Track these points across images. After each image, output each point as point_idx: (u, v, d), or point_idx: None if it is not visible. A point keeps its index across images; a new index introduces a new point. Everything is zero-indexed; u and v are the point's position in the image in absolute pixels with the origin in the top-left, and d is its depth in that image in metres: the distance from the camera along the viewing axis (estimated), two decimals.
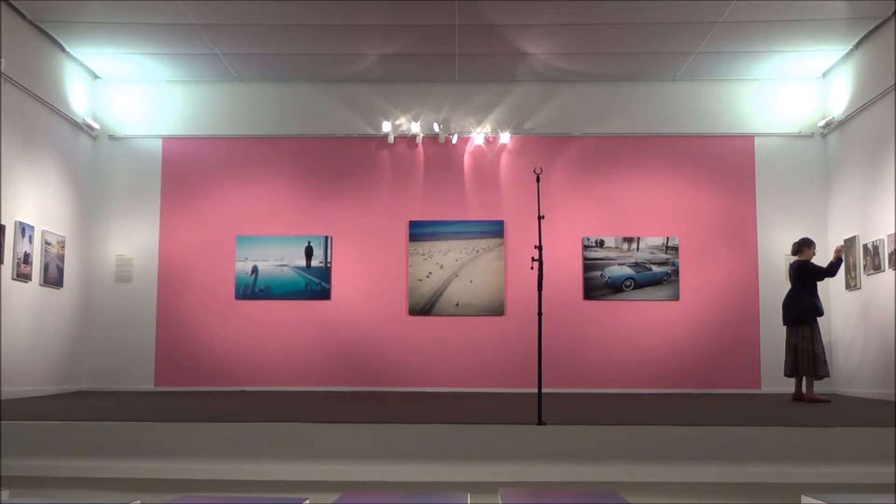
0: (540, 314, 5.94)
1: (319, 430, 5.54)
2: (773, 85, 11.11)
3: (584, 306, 10.88)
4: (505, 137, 11.08)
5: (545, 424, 5.49)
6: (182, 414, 6.82)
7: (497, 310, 10.74)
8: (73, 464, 5.30)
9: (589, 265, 10.95)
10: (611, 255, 10.97)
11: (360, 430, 5.50)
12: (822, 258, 10.89)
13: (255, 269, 10.88)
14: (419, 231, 11.04)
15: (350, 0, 8.94)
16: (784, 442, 5.30)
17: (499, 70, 10.90)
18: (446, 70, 10.88)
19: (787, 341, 8.90)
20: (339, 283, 10.97)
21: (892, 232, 9.04)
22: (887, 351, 9.11)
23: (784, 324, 8.98)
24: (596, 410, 7.53)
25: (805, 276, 8.80)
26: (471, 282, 10.87)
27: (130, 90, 11.26)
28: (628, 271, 10.94)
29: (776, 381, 10.61)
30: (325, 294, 10.93)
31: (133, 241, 11.05)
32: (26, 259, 9.33)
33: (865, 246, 9.68)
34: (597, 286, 10.93)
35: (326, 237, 11.01)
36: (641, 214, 11.00)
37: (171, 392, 10.27)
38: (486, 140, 11.14)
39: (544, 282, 6.00)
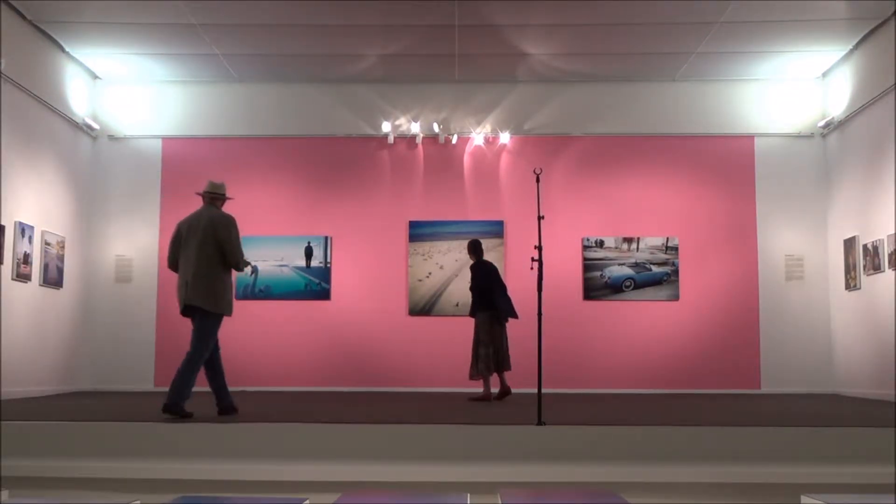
0: (540, 314, 5.94)
1: (319, 430, 5.54)
2: (773, 85, 11.11)
3: (584, 306, 10.88)
4: (505, 138, 11.08)
5: (545, 425, 5.49)
6: None
7: None
8: (73, 464, 5.30)
9: (589, 265, 10.95)
10: (611, 255, 10.97)
11: (360, 430, 5.49)
12: (821, 259, 10.92)
13: (255, 270, 10.88)
14: (419, 231, 11.04)
15: (350, 0, 8.94)
16: (784, 442, 5.30)
17: (499, 70, 10.90)
18: (446, 70, 10.88)
19: (496, 338, 8.65)
20: (339, 283, 10.97)
21: (892, 232, 9.03)
22: (887, 351, 9.11)
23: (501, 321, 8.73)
24: (596, 410, 7.53)
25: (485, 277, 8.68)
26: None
27: (130, 90, 11.26)
28: (628, 271, 10.94)
29: (776, 381, 10.62)
30: (324, 294, 10.93)
31: (133, 241, 11.05)
32: (26, 259, 9.33)
33: (865, 246, 9.68)
34: (597, 286, 10.93)
35: (326, 237, 11.01)
36: (641, 214, 11.00)
37: None
38: (486, 140, 11.14)
39: (544, 282, 6.00)
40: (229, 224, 6.49)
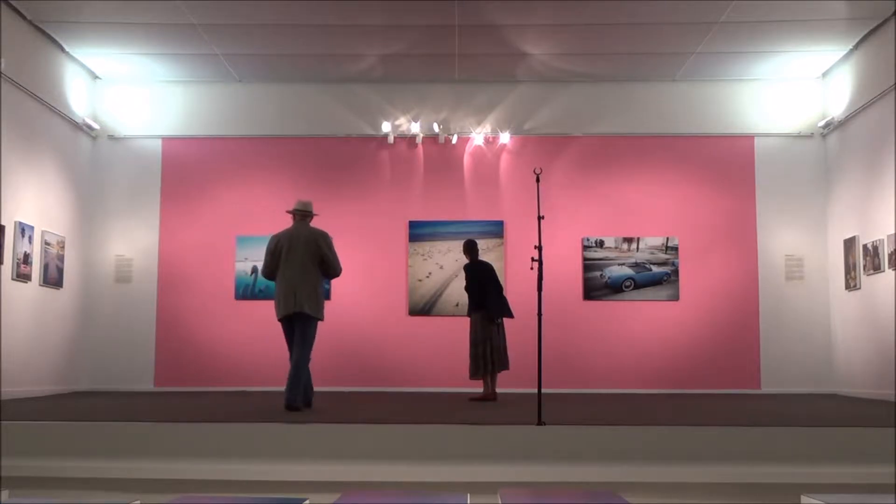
0: (540, 314, 5.94)
1: (319, 430, 5.54)
2: (773, 85, 11.11)
3: (584, 306, 10.88)
4: (505, 137, 11.08)
5: (545, 424, 5.49)
6: (182, 414, 6.82)
7: None
8: (73, 464, 5.30)
9: (589, 265, 10.95)
10: (611, 255, 10.97)
11: (360, 430, 5.49)
12: (821, 259, 10.92)
13: (254, 270, 10.87)
14: (419, 231, 11.04)
15: (350, 0, 8.94)
16: (784, 442, 5.30)
17: (499, 70, 10.90)
18: (446, 70, 10.88)
19: (491, 338, 8.54)
20: (339, 283, 10.94)
21: (892, 232, 9.03)
22: (887, 351, 9.11)
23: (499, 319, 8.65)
24: (596, 410, 7.53)
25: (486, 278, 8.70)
26: None
27: (130, 90, 11.26)
28: (628, 271, 10.94)
29: (776, 381, 10.62)
30: (324, 294, 10.89)
31: (133, 241, 11.05)
32: (26, 259, 9.32)
33: (865, 246, 9.68)
34: (597, 286, 10.93)
35: None
36: (641, 214, 11.00)
37: (171, 392, 10.27)
38: (486, 140, 11.14)
39: (544, 282, 6.00)
40: (329, 239, 7.32)
